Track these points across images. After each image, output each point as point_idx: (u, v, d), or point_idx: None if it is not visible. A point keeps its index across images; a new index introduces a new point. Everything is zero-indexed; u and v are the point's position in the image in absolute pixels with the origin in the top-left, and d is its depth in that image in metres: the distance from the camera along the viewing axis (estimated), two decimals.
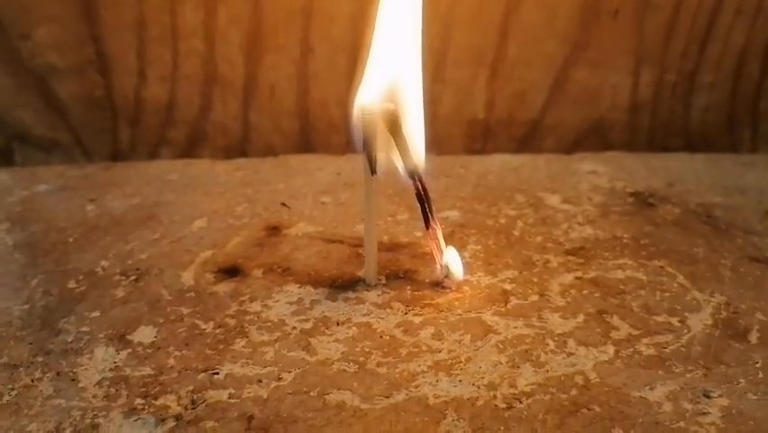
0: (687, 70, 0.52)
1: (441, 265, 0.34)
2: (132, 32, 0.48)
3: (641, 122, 0.53)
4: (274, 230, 0.39)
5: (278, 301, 0.34)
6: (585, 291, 0.34)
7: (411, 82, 0.32)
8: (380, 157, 0.32)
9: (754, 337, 0.32)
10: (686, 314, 0.33)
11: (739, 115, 0.54)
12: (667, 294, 0.34)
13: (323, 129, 0.52)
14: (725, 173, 0.46)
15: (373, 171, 0.32)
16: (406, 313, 0.33)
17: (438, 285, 0.35)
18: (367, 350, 0.31)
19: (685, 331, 0.32)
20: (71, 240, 0.38)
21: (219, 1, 0.47)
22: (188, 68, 0.49)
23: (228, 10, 0.48)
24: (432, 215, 0.33)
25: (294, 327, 0.32)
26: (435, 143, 0.52)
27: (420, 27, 0.32)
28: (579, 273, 0.36)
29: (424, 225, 0.34)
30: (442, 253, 0.34)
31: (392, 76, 0.32)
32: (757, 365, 0.30)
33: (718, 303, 0.34)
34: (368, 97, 0.31)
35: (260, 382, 0.29)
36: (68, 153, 0.52)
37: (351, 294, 0.34)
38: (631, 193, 0.43)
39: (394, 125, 0.31)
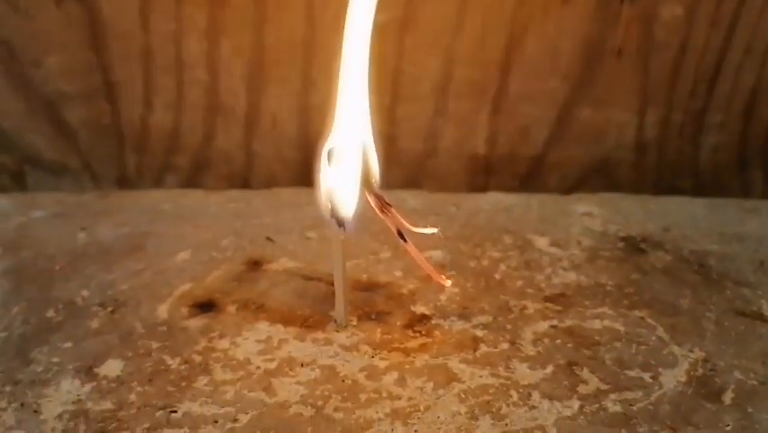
0: (695, 110, 0.50)
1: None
2: (138, 61, 0.49)
3: (648, 161, 0.52)
4: (255, 265, 0.39)
5: (246, 339, 0.34)
6: (558, 341, 0.34)
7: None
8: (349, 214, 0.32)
9: (728, 398, 0.31)
10: (660, 369, 0.32)
11: (751, 155, 0.52)
12: (643, 347, 0.33)
13: None
14: (725, 219, 0.45)
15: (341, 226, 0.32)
16: (372, 357, 0.33)
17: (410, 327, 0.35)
18: (327, 394, 0.30)
19: (656, 388, 0.31)
20: (57, 268, 0.39)
21: (222, 33, 0.48)
22: (192, 97, 0.50)
23: (231, 42, 0.48)
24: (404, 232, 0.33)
25: (258, 367, 0.32)
26: (436, 178, 0.53)
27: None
28: (554, 322, 0.35)
29: (400, 240, 0.33)
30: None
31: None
32: (728, 428, 0.29)
33: (696, 359, 0.33)
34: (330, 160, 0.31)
35: (216, 422, 0.29)
36: (77, 177, 0.53)
37: (320, 334, 0.34)
38: (623, 237, 0.42)
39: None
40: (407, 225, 0.32)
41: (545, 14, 0.47)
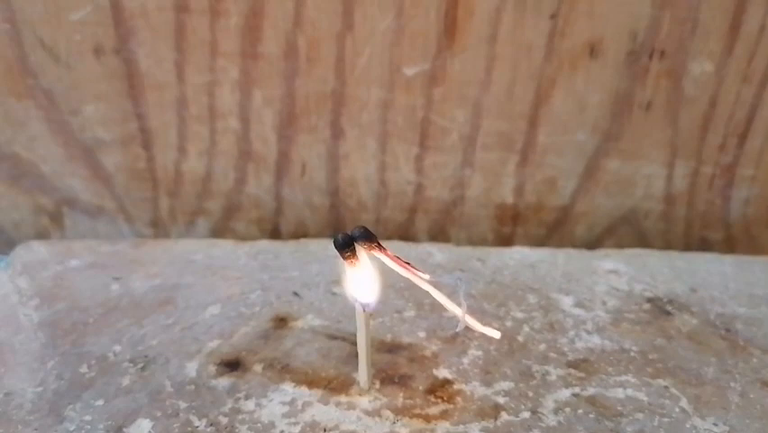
0: (725, 163, 0.50)
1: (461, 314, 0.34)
2: (173, 110, 0.50)
3: (677, 212, 0.52)
4: (281, 322, 0.40)
5: (272, 401, 0.34)
6: (580, 411, 0.34)
7: None
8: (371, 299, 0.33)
9: None
10: None
11: None
12: (666, 420, 0.33)
13: (353, 206, 0.53)
14: (754, 279, 0.44)
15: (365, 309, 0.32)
16: (394, 423, 0.33)
17: (432, 393, 0.35)
18: None
19: None
20: (91, 321, 0.40)
21: (254, 84, 0.49)
22: (225, 144, 0.51)
23: (263, 93, 0.49)
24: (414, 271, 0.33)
25: (282, 431, 0.33)
26: (463, 227, 0.53)
27: None
28: (577, 389, 0.35)
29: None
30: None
31: None
32: None
33: None
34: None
35: None
36: (112, 219, 0.54)
37: (343, 398, 0.34)
38: (649, 298, 0.42)
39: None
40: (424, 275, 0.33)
41: (573, 69, 0.47)
